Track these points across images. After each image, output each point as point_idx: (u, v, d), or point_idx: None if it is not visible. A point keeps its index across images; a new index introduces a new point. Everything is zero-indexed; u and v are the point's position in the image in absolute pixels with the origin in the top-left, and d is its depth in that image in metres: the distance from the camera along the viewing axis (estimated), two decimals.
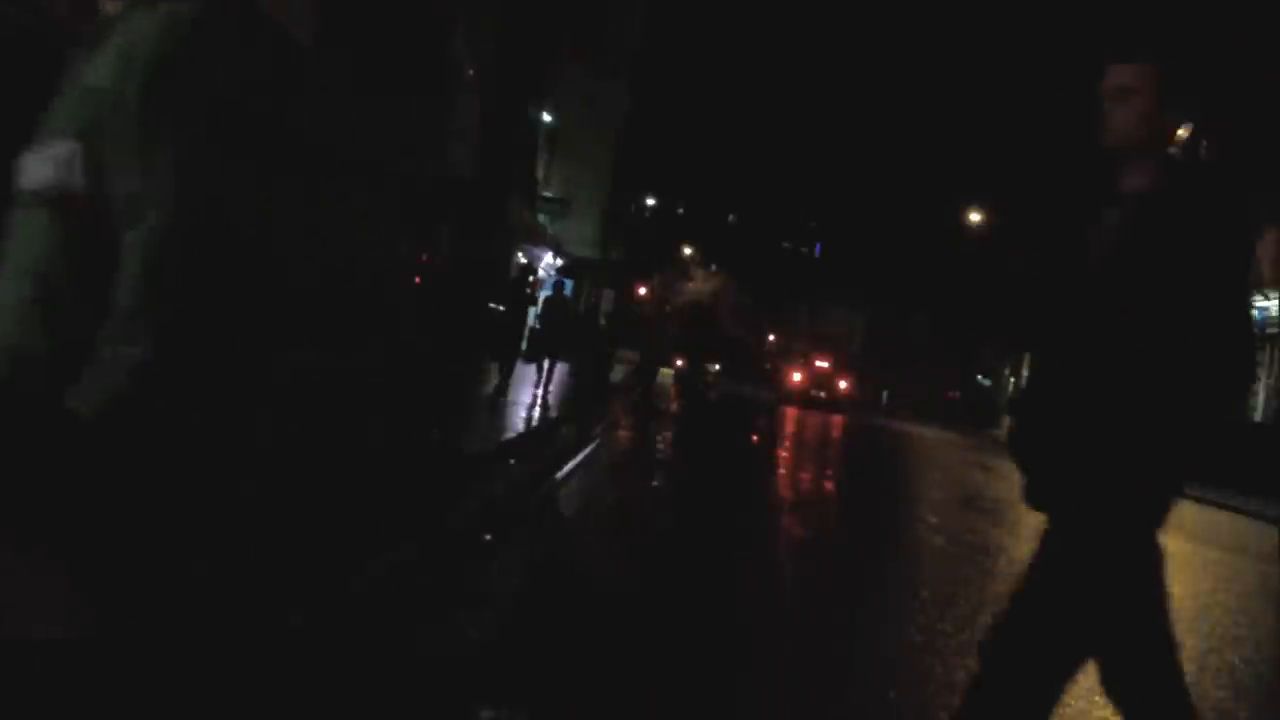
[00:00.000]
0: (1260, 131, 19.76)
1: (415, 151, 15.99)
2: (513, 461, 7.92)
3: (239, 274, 1.40)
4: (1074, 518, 2.20)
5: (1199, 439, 2.20)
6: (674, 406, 16.45)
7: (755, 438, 18.30)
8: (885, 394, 47.61)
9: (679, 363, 17.05)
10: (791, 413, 29.14)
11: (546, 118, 31.03)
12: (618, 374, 19.75)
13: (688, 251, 46.24)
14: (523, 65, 22.41)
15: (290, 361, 1.74)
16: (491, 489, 6.71)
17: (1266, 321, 21.72)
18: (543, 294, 18.54)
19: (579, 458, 9.29)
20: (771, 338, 56.27)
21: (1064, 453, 2.20)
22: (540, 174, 32.35)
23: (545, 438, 10.03)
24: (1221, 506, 15.25)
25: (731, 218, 68.10)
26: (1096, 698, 3.92)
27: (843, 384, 36.73)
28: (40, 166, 1.25)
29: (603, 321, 27.39)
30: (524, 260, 25.19)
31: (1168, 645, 2.26)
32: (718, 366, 26.20)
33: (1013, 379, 39.03)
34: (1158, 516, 2.20)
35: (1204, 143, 2.35)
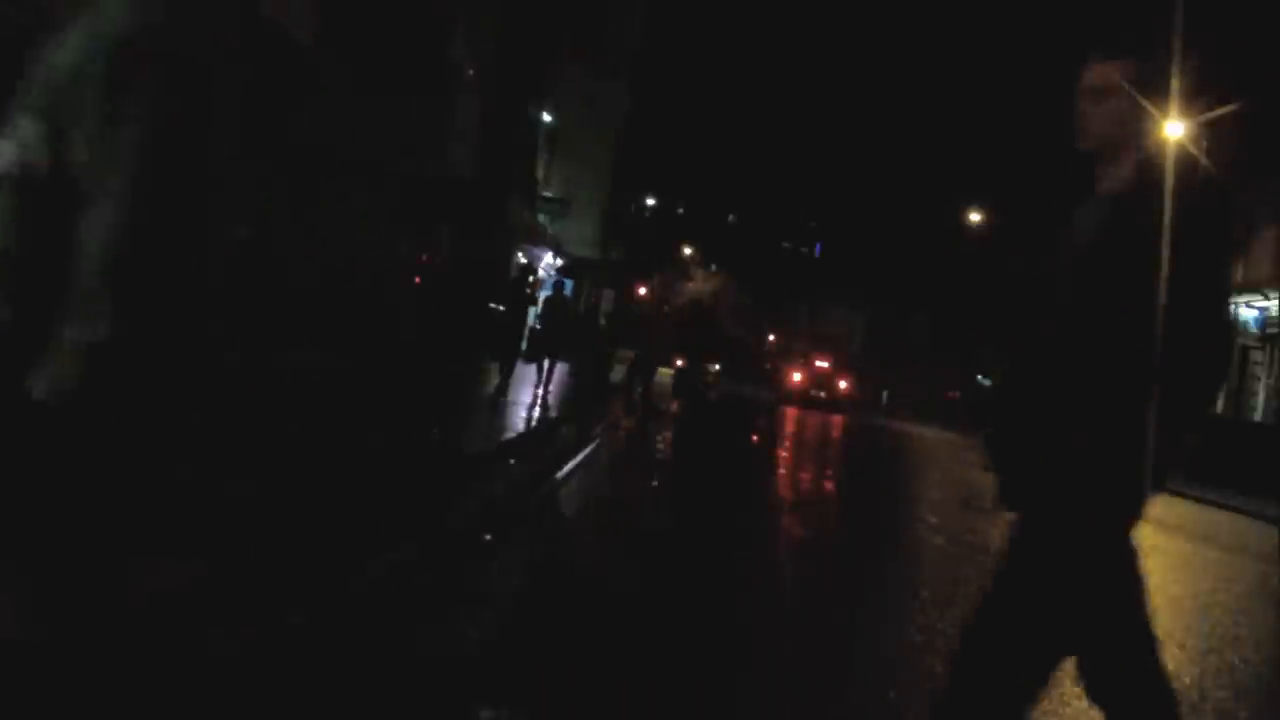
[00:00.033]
0: (1261, 131, 19.74)
1: (415, 151, 15.99)
2: (513, 461, 7.92)
3: (202, 259, 1.40)
4: (1048, 516, 2.19)
5: (1174, 437, 2.20)
6: (674, 407, 16.45)
7: (755, 438, 18.29)
8: (885, 394, 47.58)
9: (678, 363, 17.04)
10: (791, 413, 29.14)
11: (546, 118, 31.02)
12: (618, 374, 19.76)
13: (688, 251, 46.23)
14: (523, 65, 22.40)
15: (290, 361, 1.74)
16: (491, 489, 6.71)
17: (1266, 321, 21.72)
18: (543, 294, 18.53)
19: (579, 458, 9.29)
20: (771, 338, 56.25)
21: (1039, 451, 2.19)
22: (540, 174, 32.34)
23: (545, 438, 10.03)
24: (1221, 506, 15.24)
25: (731, 218, 68.09)
26: None
27: (843, 384, 36.71)
28: (3, 146, 1.25)
29: (603, 321, 27.38)
30: (524, 260, 25.18)
31: (1146, 642, 2.26)
32: (718, 366, 26.21)
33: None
34: (1132, 514, 2.20)
35: (1180, 143, 2.35)
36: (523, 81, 23.14)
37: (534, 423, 10.79)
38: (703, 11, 64.22)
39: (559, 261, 32.33)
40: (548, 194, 33.18)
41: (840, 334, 52.96)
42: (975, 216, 39.21)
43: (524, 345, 15.18)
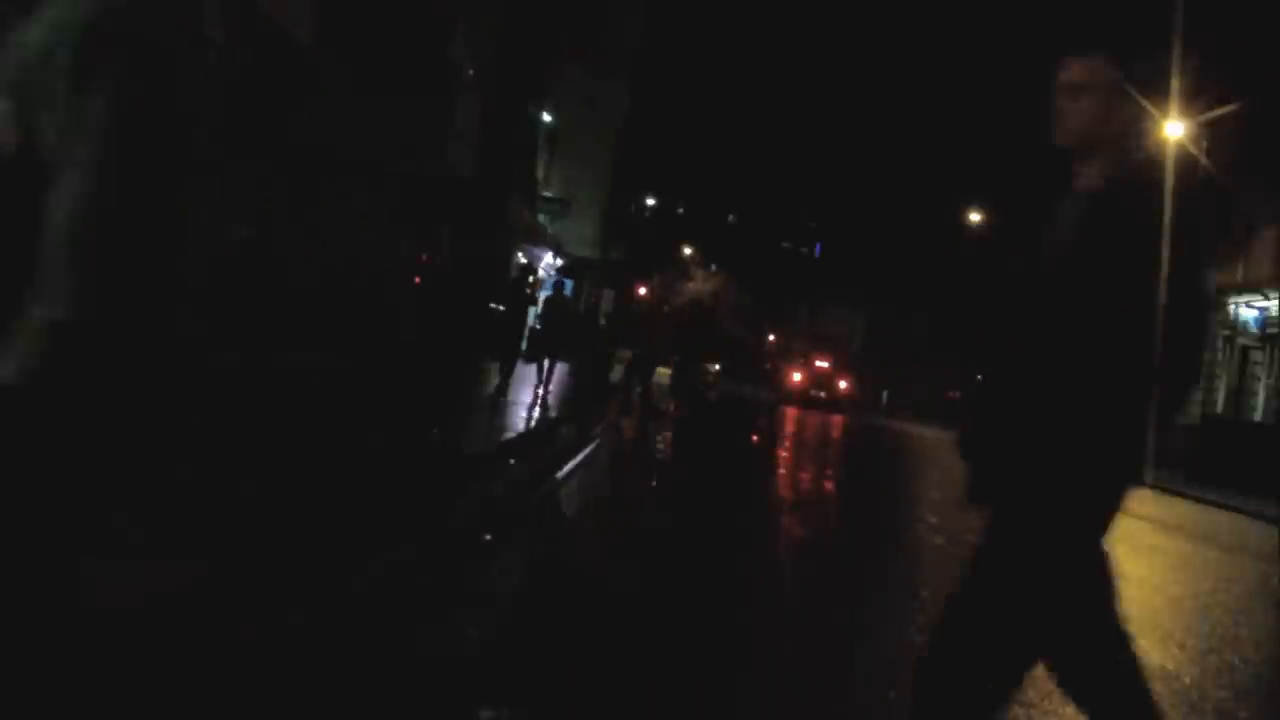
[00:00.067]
0: (1261, 131, 19.74)
1: (415, 151, 15.99)
2: (513, 461, 7.92)
3: (169, 241, 1.38)
4: (1018, 511, 2.19)
5: (1150, 433, 2.19)
6: (672, 408, 16.44)
7: (755, 438, 18.30)
8: (885, 394, 47.60)
9: (676, 361, 17.04)
10: (791, 413, 29.14)
11: (546, 118, 31.02)
12: (618, 374, 19.77)
13: (688, 251, 46.23)
14: (523, 65, 22.40)
15: (290, 361, 1.74)
16: (491, 489, 6.71)
17: (1266, 321, 21.71)
18: (543, 294, 18.53)
19: (579, 458, 9.29)
20: (771, 338, 56.27)
21: (1012, 447, 2.19)
22: (540, 174, 32.34)
23: (545, 438, 10.03)
24: (1221, 506, 15.24)
25: (731, 218, 68.09)
26: None
27: (843, 384, 36.73)
28: None
29: (603, 321, 27.39)
30: (524, 260, 25.18)
31: (1117, 640, 2.26)
32: (718, 366, 26.22)
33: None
34: (1106, 509, 2.20)
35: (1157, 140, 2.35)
36: (523, 81, 23.14)
37: (534, 423, 10.78)
38: (703, 11, 64.22)
39: (559, 261, 32.33)
40: (548, 194, 33.18)
41: (840, 334, 52.97)
42: (975, 216, 39.21)
43: (524, 345, 15.18)
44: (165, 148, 1.34)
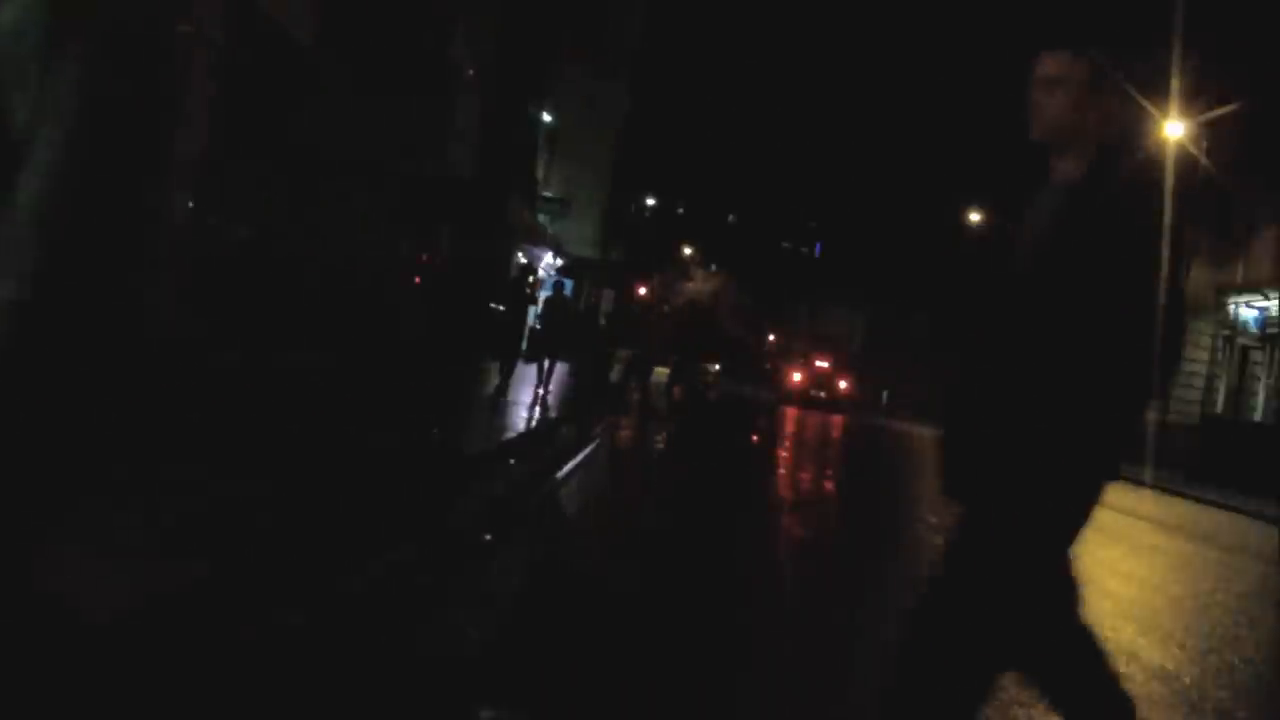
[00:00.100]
0: (1261, 131, 19.73)
1: (415, 151, 15.99)
2: (513, 461, 7.92)
3: (139, 227, 1.38)
4: (992, 507, 2.18)
5: (1123, 430, 2.19)
6: (675, 392, 16.43)
7: (755, 438, 18.30)
8: (885, 394, 47.58)
9: (675, 361, 17.06)
10: (791, 413, 29.14)
11: (546, 118, 31.01)
12: (618, 374, 19.78)
13: (688, 251, 46.22)
14: (523, 65, 22.40)
15: (290, 361, 1.74)
16: (491, 489, 6.71)
17: (1266, 321, 21.71)
18: (543, 294, 18.53)
19: (579, 457, 9.29)
20: (771, 338, 56.26)
21: (987, 441, 2.19)
22: (540, 174, 32.34)
23: (545, 438, 10.03)
24: (1221, 506, 15.24)
25: (731, 218, 68.08)
26: None
27: (843, 384, 36.73)
28: None
29: (603, 321, 27.38)
30: (524, 260, 25.18)
31: (1084, 639, 2.25)
32: (718, 366, 26.20)
33: None
34: (1080, 506, 2.19)
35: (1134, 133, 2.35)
36: (523, 81, 23.14)
37: (534, 423, 10.79)
38: (703, 11, 64.20)
39: (559, 261, 32.33)
40: (548, 194, 33.18)
41: (840, 334, 52.97)
42: (975, 216, 39.19)
43: (524, 345, 15.18)
44: (135, 129, 1.34)
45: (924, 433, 28.81)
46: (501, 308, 15.97)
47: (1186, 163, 20.66)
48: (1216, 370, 23.46)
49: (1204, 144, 20.75)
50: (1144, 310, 2.12)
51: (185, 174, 9.15)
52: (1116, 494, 9.83)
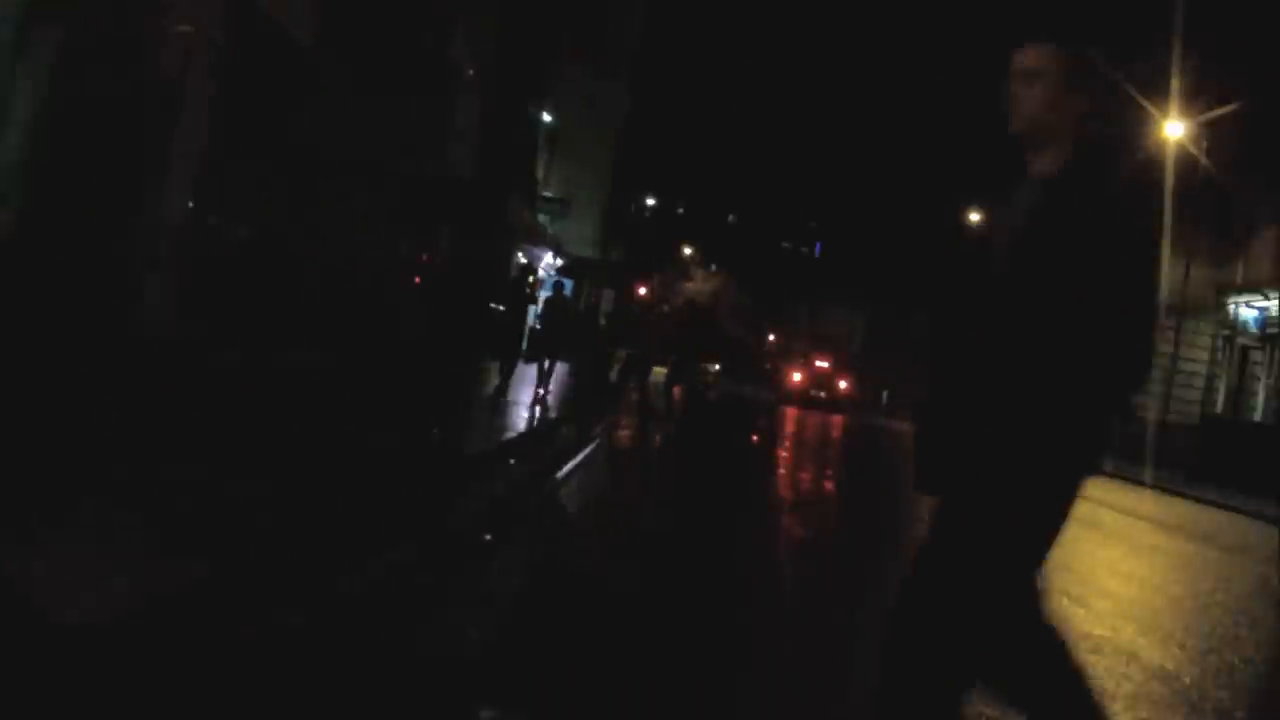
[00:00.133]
0: (1261, 131, 19.73)
1: (415, 151, 15.99)
2: (513, 461, 7.92)
3: (111, 206, 1.40)
4: (969, 502, 2.17)
5: (1101, 423, 2.18)
6: (676, 392, 16.39)
7: (755, 438, 18.30)
8: (885, 394, 47.55)
9: (673, 362, 17.04)
10: (791, 413, 29.15)
11: (546, 118, 31.01)
12: (617, 374, 19.79)
13: (688, 251, 46.24)
14: (523, 65, 22.40)
15: (290, 361, 1.74)
16: (491, 489, 6.71)
17: (1266, 321, 21.71)
18: (543, 294, 18.53)
19: (579, 457, 9.29)
20: (771, 338, 56.24)
21: (963, 438, 2.18)
22: (540, 174, 32.34)
23: (545, 438, 10.03)
24: (1221, 506, 15.24)
25: (731, 218, 68.07)
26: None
27: (843, 384, 36.73)
28: None
29: (603, 321, 27.38)
30: (524, 260, 25.18)
31: (1050, 638, 2.25)
32: (718, 366, 26.19)
33: None
34: (1058, 501, 2.18)
35: (1110, 126, 2.34)
36: (523, 81, 23.13)
37: (534, 423, 10.79)
38: (703, 11, 64.20)
39: (559, 261, 32.33)
40: (548, 194, 33.18)
41: (840, 334, 52.97)
42: (975, 216, 39.21)
43: (524, 345, 15.17)
44: (112, 116, 1.34)
45: None
46: (501, 308, 15.96)
47: (1186, 163, 20.67)
48: (1216, 370, 23.46)
49: (1204, 144, 20.75)
50: (1119, 305, 2.10)
51: (185, 174, 9.15)
52: (1116, 494, 9.91)
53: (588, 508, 7.55)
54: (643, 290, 32.24)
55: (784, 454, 15.84)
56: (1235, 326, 22.74)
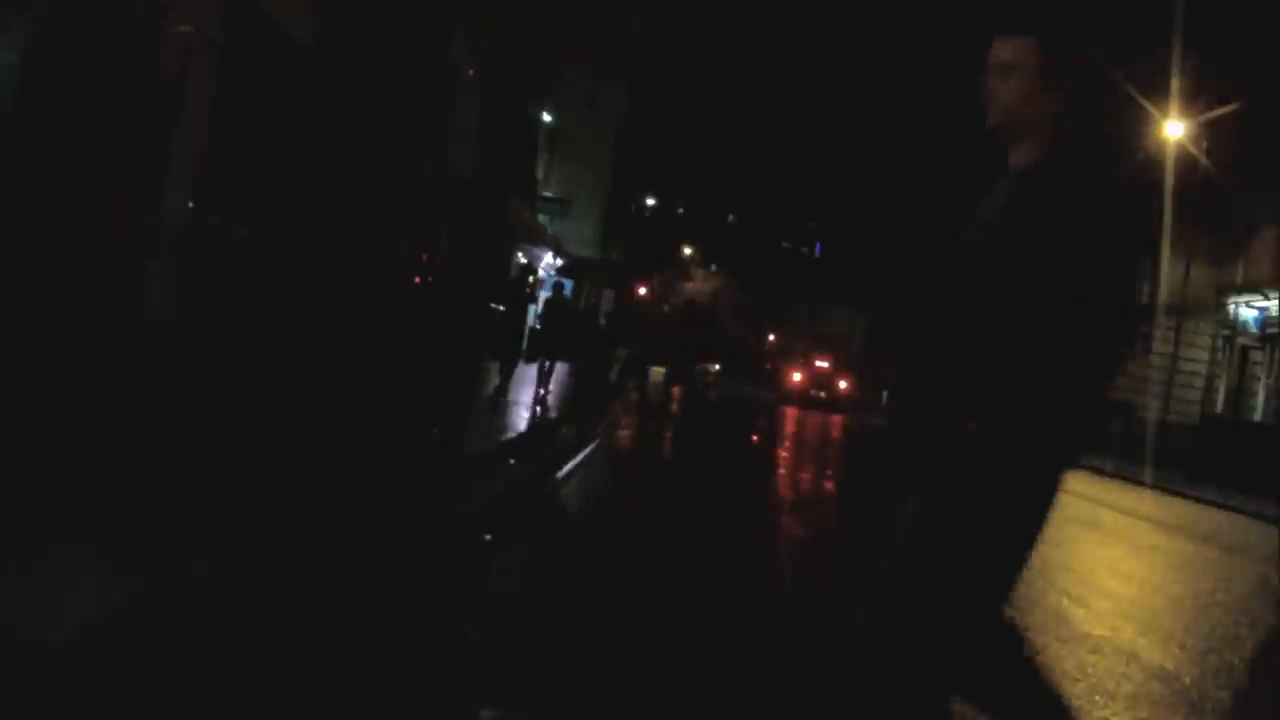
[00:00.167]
0: (1261, 131, 19.73)
1: (415, 151, 15.99)
2: (513, 461, 7.92)
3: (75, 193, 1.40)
4: (948, 500, 2.16)
5: (1078, 418, 2.16)
6: (675, 391, 16.40)
7: (755, 438, 18.30)
8: (885, 394, 47.52)
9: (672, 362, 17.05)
10: (791, 413, 29.15)
11: (546, 118, 31.02)
12: (616, 374, 19.79)
13: (688, 251, 46.24)
14: (523, 65, 22.40)
15: (290, 361, 1.74)
16: (491, 489, 6.71)
17: (1266, 321, 21.70)
18: (543, 294, 18.53)
19: (579, 457, 9.29)
20: (771, 338, 56.23)
21: (939, 434, 2.16)
22: (540, 174, 32.34)
23: (545, 438, 10.03)
24: (1221, 506, 15.24)
25: (731, 218, 68.06)
26: (1096, 697, 3.93)
27: (843, 384, 36.74)
28: None
29: (603, 321, 27.38)
30: (524, 260, 25.18)
31: (1012, 639, 2.24)
32: (718, 366, 26.16)
33: None
34: (1038, 497, 2.16)
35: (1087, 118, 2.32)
36: (523, 81, 23.13)
37: (534, 423, 10.78)
38: (703, 11, 64.20)
39: (559, 261, 32.33)
40: (548, 194, 33.18)
41: (840, 334, 52.94)
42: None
43: (524, 345, 15.17)
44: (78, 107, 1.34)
45: None
46: (501, 308, 15.97)
47: (1186, 163, 20.67)
48: (1216, 370, 23.45)
49: (1204, 144, 20.75)
50: (1094, 297, 2.09)
51: (185, 174, 9.15)
52: (1116, 494, 9.92)
53: (588, 508, 7.55)
54: (643, 290, 32.26)
55: (784, 454, 15.84)
56: (1235, 326, 22.74)
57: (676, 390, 15.69)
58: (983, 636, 2.20)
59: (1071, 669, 4.28)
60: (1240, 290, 22.46)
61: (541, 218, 31.41)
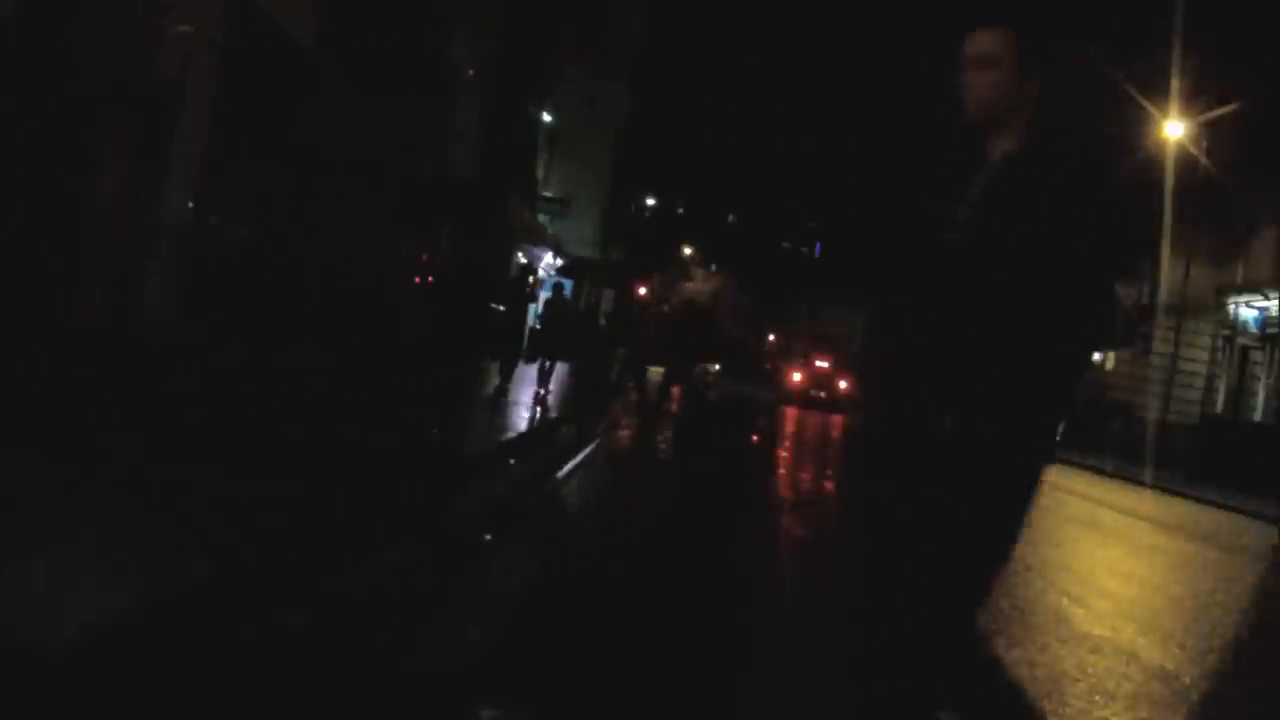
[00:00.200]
0: (1261, 131, 19.73)
1: (415, 151, 15.99)
2: (513, 461, 7.92)
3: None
4: (930, 491, 2.15)
5: (1053, 406, 2.15)
6: (675, 391, 16.41)
7: (755, 438, 18.29)
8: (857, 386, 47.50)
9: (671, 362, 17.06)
10: (791, 413, 29.15)
11: (546, 118, 31.02)
12: (615, 374, 19.79)
13: (688, 251, 46.22)
14: (523, 65, 22.40)
15: (290, 361, 1.74)
16: (491, 489, 6.71)
17: (1266, 321, 21.71)
18: (543, 294, 18.53)
19: (579, 457, 9.29)
20: (771, 338, 56.20)
21: (917, 420, 2.16)
22: (540, 174, 32.34)
23: (545, 438, 10.03)
24: (1221, 506, 15.24)
25: (731, 218, 68.07)
26: (1096, 697, 3.92)
27: (843, 384, 36.74)
28: None
29: (603, 321, 27.38)
30: (524, 260, 25.18)
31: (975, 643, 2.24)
32: (718, 366, 26.18)
33: None
34: (1016, 488, 2.15)
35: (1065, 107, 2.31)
36: (523, 81, 23.14)
37: (534, 423, 10.78)
38: (703, 11, 64.20)
39: (559, 261, 32.33)
40: (548, 194, 33.19)
41: (840, 334, 52.90)
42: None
43: (524, 345, 15.18)
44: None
45: None
46: (502, 308, 15.97)
47: (1186, 163, 20.67)
48: (1216, 370, 23.46)
49: (1204, 144, 20.75)
50: (1072, 288, 2.08)
51: (185, 174, 9.15)
52: (1116, 494, 9.90)
53: (588, 508, 7.55)
54: (643, 290, 32.25)
55: (784, 454, 15.84)
56: (1235, 326, 22.74)
57: (676, 390, 15.70)
58: (954, 639, 2.18)
59: (1071, 669, 4.28)
60: (1240, 290, 22.46)
61: (541, 218, 31.42)
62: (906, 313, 2.30)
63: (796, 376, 36.31)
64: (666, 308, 15.00)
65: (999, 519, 2.15)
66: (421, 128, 16.15)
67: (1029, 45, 2.26)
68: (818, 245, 68.64)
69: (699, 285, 14.09)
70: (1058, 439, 2.20)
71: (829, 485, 12.50)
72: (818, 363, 37.40)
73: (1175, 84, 19.87)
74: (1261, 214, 21.73)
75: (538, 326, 16.47)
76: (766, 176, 67.17)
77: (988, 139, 2.31)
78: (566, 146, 34.35)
